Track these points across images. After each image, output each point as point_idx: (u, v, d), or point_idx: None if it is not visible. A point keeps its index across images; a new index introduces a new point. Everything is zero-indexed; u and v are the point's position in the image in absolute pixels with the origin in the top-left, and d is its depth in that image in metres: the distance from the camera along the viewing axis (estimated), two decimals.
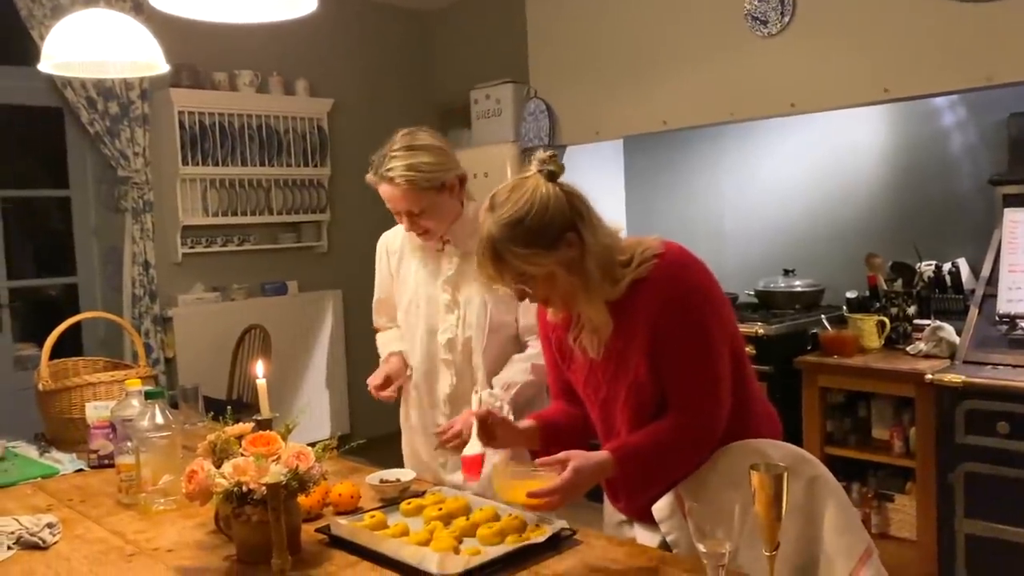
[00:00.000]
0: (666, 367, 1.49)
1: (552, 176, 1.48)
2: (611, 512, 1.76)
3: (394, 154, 1.89)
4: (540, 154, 1.49)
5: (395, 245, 2.17)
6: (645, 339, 1.49)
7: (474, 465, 1.65)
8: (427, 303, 2.08)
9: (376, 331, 2.36)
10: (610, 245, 1.50)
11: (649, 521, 1.61)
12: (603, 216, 1.53)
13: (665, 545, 1.58)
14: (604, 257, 1.48)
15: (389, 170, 1.88)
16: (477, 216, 1.54)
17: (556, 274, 1.47)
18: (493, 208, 1.46)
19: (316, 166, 5.10)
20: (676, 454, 1.49)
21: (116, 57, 2.05)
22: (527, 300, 1.55)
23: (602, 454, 1.47)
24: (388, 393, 2.10)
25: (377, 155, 1.92)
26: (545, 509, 1.45)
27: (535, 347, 2.00)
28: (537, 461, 1.49)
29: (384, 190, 1.93)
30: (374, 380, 2.11)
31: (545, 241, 1.44)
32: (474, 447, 1.65)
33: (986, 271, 3.02)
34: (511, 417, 1.89)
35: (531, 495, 1.39)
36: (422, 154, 1.89)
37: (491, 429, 1.62)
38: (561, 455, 1.44)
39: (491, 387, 2.01)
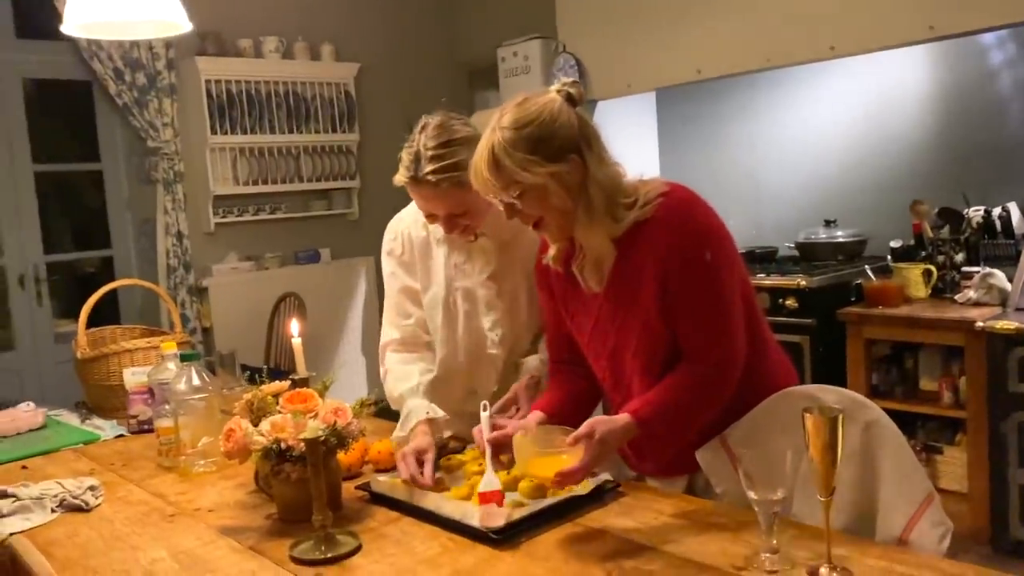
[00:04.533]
0: (677, 310, 1.44)
1: (570, 99, 1.45)
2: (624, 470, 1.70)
3: (430, 152, 1.64)
4: (564, 78, 1.46)
5: (416, 231, 1.91)
6: (653, 281, 1.44)
7: (493, 501, 1.41)
8: (464, 298, 1.87)
9: (384, 355, 1.94)
10: (614, 179, 1.46)
11: (665, 475, 1.59)
12: (614, 156, 1.49)
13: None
14: (607, 188, 1.44)
15: (428, 172, 1.64)
16: None
17: (549, 189, 1.41)
18: (503, 115, 1.44)
19: (345, 132, 5.05)
20: (696, 405, 1.45)
21: (138, 16, 2.00)
22: (516, 220, 1.48)
23: (623, 417, 1.41)
24: (427, 480, 1.57)
25: (407, 152, 1.68)
26: (572, 483, 1.40)
27: None
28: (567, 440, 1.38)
29: (421, 192, 1.69)
30: (411, 467, 1.58)
31: (545, 152, 1.40)
32: (491, 481, 1.44)
33: None
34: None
35: (560, 475, 1.33)
36: (461, 149, 1.64)
37: (503, 452, 1.49)
38: (584, 429, 1.37)
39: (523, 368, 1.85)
